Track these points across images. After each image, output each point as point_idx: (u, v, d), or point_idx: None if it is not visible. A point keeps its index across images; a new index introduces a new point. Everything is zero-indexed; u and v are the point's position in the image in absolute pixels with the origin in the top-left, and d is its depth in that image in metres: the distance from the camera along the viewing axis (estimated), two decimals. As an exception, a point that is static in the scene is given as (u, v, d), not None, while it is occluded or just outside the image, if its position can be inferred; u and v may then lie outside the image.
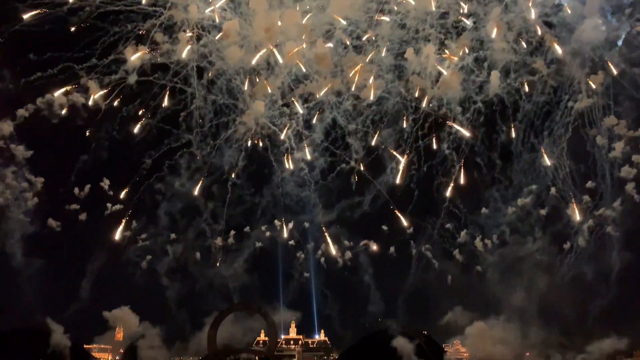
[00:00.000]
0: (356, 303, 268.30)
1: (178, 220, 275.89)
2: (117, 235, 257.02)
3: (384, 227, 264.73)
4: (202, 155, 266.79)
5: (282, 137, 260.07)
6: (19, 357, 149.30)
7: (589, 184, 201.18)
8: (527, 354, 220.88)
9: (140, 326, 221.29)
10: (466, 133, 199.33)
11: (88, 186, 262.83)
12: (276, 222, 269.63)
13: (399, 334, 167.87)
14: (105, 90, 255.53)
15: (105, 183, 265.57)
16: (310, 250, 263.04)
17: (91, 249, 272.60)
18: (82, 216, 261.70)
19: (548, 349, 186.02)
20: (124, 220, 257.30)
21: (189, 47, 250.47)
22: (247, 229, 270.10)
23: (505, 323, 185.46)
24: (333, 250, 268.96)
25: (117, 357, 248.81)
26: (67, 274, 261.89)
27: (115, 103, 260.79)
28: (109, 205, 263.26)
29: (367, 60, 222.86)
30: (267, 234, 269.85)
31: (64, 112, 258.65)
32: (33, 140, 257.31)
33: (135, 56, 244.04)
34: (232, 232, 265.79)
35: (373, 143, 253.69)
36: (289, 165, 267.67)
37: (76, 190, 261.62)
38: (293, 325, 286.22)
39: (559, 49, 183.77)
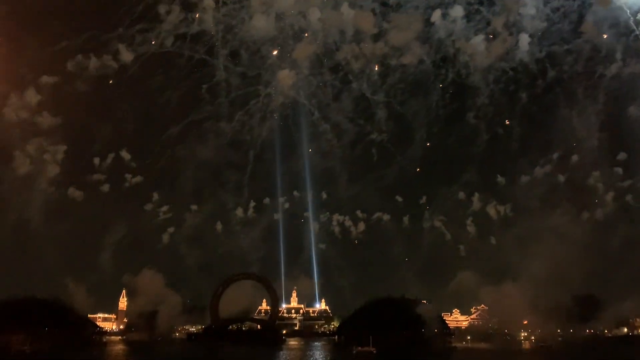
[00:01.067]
0: (368, 272, 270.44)
1: (200, 191, 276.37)
2: (140, 207, 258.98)
3: (399, 198, 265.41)
4: (226, 126, 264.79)
5: (309, 107, 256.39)
6: (29, 324, 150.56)
7: (621, 155, 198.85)
8: (525, 322, 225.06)
9: (160, 293, 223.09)
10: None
11: (111, 156, 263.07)
12: (295, 193, 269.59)
13: (402, 299, 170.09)
14: (132, 57, 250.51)
15: (127, 154, 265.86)
16: (310, 221, 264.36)
17: (113, 219, 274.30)
18: (105, 187, 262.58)
19: (559, 315, 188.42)
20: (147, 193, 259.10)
21: (213, 15, 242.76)
22: (266, 200, 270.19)
23: (517, 289, 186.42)
24: (344, 220, 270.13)
25: (120, 326, 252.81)
26: (88, 243, 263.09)
27: (141, 73, 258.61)
28: (127, 176, 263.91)
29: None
30: (287, 205, 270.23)
31: (89, 81, 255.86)
32: (59, 109, 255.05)
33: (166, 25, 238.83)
34: (253, 204, 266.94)
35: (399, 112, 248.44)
36: (314, 136, 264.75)
37: (97, 160, 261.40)
38: (294, 294, 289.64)
39: (593, 15, 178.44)
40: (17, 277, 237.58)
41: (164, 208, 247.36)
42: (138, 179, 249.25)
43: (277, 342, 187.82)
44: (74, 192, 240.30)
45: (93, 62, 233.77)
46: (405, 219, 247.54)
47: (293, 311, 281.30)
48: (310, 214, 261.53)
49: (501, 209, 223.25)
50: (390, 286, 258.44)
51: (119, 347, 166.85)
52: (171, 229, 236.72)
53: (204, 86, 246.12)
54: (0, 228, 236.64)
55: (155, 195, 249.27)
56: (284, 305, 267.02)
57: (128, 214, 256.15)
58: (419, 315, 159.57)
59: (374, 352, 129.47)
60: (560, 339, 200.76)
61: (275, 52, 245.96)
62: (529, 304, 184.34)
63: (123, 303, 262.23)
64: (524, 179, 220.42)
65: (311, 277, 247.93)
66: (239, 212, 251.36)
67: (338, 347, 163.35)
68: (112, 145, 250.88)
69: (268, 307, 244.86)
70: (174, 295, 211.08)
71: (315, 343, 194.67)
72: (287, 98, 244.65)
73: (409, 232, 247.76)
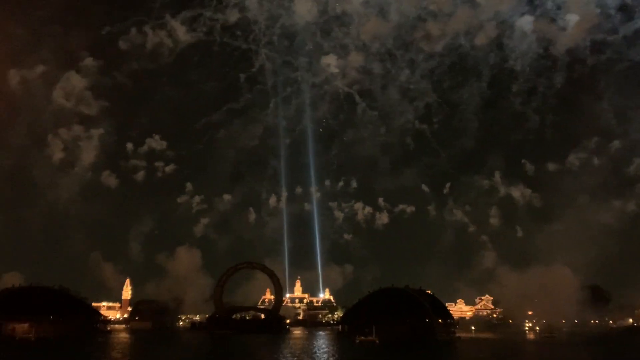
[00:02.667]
0: (391, 263, 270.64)
1: (234, 180, 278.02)
2: (174, 199, 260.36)
3: (425, 188, 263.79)
4: (263, 114, 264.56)
5: (352, 94, 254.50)
6: (34, 312, 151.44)
7: None
8: (530, 312, 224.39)
9: (190, 276, 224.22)
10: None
11: (147, 143, 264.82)
12: (327, 182, 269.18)
13: (405, 288, 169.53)
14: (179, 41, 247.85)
15: (162, 142, 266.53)
16: (311, 210, 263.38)
17: (145, 209, 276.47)
18: (139, 175, 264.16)
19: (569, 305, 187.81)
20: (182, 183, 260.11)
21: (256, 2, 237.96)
22: (299, 189, 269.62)
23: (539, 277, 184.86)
24: (364, 211, 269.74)
25: (125, 315, 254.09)
26: (120, 230, 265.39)
27: (180, 61, 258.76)
28: (161, 164, 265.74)
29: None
30: (318, 194, 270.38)
31: (130, 69, 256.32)
32: (99, 93, 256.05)
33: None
34: (285, 194, 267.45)
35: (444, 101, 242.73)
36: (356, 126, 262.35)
37: (132, 146, 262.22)
38: (298, 284, 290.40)
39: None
40: (49, 261, 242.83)
41: (197, 199, 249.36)
42: (172, 167, 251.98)
43: (281, 332, 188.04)
44: (109, 179, 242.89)
45: (150, 39, 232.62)
46: (430, 208, 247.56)
47: (297, 300, 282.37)
48: (313, 205, 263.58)
49: (530, 196, 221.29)
50: (411, 277, 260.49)
51: (123, 336, 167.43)
52: (205, 220, 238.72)
53: (242, 75, 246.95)
54: (34, 212, 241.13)
55: (189, 186, 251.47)
56: (287, 295, 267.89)
57: (161, 206, 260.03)
58: (422, 305, 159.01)
59: (377, 341, 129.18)
60: (564, 329, 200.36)
61: (317, 39, 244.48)
62: (545, 291, 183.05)
63: (127, 292, 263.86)
64: (555, 166, 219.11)
65: (319, 266, 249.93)
66: (272, 200, 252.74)
67: (341, 336, 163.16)
68: (148, 132, 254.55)
69: (272, 297, 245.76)
70: (204, 278, 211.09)
71: (319, 332, 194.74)
72: (331, 85, 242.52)
73: (433, 223, 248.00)
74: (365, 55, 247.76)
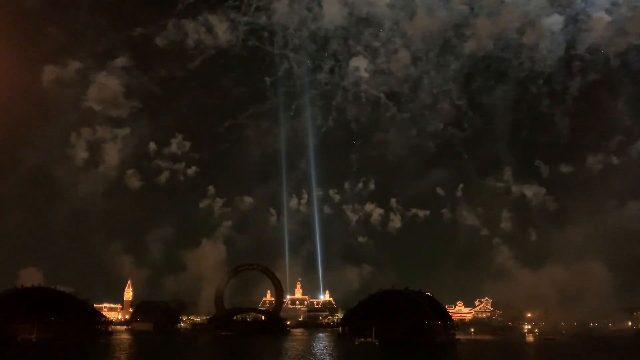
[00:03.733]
0: (403, 265, 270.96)
1: (256, 182, 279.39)
2: (196, 203, 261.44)
3: (440, 191, 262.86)
4: (287, 117, 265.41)
5: (380, 96, 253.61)
6: (36, 313, 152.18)
7: None
8: (529, 314, 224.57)
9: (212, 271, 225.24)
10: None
11: (171, 145, 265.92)
12: (346, 185, 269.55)
13: (405, 290, 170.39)
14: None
15: (187, 143, 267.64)
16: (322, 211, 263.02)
17: (167, 213, 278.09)
18: (163, 176, 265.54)
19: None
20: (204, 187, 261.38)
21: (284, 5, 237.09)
22: (319, 192, 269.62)
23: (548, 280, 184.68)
24: (379, 213, 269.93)
25: (126, 316, 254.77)
26: (143, 229, 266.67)
27: (208, 64, 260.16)
28: (182, 166, 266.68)
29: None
30: (337, 198, 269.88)
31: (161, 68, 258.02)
32: (130, 95, 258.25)
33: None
34: (305, 196, 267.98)
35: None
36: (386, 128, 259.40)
37: (154, 146, 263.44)
38: (299, 286, 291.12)
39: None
40: (69, 258, 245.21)
41: (220, 202, 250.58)
42: (195, 169, 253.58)
43: (282, 333, 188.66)
44: (132, 180, 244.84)
45: (179, 43, 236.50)
46: (445, 211, 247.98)
47: (297, 302, 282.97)
48: (314, 207, 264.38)
49: (545, 198, 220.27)
50: (424, 278, 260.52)
51: (124, 337, 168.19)
52: (227, 223, 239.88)
53: (267, 78, 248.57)
54: (56, 210, 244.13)
55: (212, 189, 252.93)
56: (288, 297, 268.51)
57: (183, 209, 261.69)
58: (422, 307, 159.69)
59: (376, 343, 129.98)
60: (563, 332, 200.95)
61: (346, 42, 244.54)
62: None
63: (128, 293, 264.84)
64: (572, 167, 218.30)
65: (320, 268, 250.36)
66: (293, 202, 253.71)
67: (341, 338, 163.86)
68: (173, 133, 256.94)
69: (272, 298, 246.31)
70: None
71: (320, 334, 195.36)
72: (358, 88, 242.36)
73: (446, 226, 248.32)
74: (394, 58, 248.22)
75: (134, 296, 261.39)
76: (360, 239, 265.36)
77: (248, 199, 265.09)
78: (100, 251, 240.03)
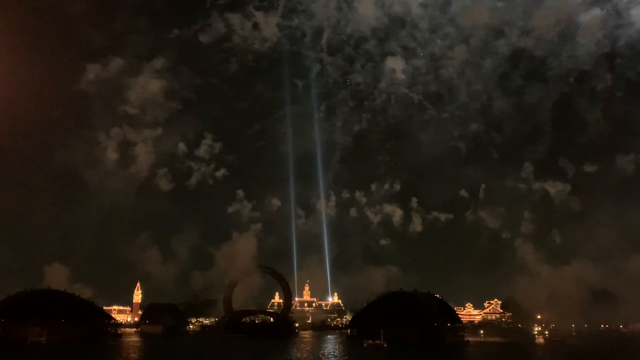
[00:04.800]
0: (425, 267, 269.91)
1: (285, 184, 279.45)
2: (224, 207, 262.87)
3: (464, 194, 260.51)
4: (317, 119, 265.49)
5: (415, 97, 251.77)
6: (45, 316, 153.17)
7: None
8: (539, 316, 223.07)
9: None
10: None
11: (202, 147, 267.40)
12: (372, 187, 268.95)
13: (414, 292, 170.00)
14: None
15: (219, 145, 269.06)
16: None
17: (195, 217, 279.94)
18: (193, 179, 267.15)
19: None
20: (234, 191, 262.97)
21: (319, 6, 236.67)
22: (345, 193, 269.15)
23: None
24: (401, 214, 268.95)
25: (135, 319, 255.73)
26: (172, 231, 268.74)
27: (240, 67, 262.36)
28: (211, 169, 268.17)
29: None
30: (364, 200, 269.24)
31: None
32: (166, 96, 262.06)
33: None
34: (334, 198, 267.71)
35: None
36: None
37: (184, 147, 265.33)
38: (307, 288, 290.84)
39: None
40: (95, 256, 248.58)
41: (248, 206, 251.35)
42: (224, 172, 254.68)
43: (290, 335, 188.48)
44: (163, 182, 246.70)
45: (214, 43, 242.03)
46: (468, 214, 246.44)
47: (306, 304, 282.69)
48: (322, 211, 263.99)
49: (569, 197, 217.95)
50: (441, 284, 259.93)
51: (133, 339, 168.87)
52: (256, 226, 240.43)
53: (299, 81, 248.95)
54: (85, 208, 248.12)
55: (240, 193, 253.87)
56: (296, 299, 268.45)
57: (212, 213, 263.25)
58: (431, 309, 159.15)
59: (385, 345, 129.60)
60: (574, 333, 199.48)
61: (380, 43, 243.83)
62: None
63: (137, 296, 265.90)
64: (597, 166, 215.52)
65: (327, 270, 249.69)
66: (320, 204, 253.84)
67: (350, 340, 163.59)
68: (204, 135, 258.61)
69: (281, 300, 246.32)
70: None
71: (328, 336, 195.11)
72: (392, 89, 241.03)
73: (468, 229, 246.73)
74: (429, 58, 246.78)
75: (144, 298, 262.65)
76: (383, 242, 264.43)
77: (276, 202, 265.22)
78: (126, 251, 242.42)
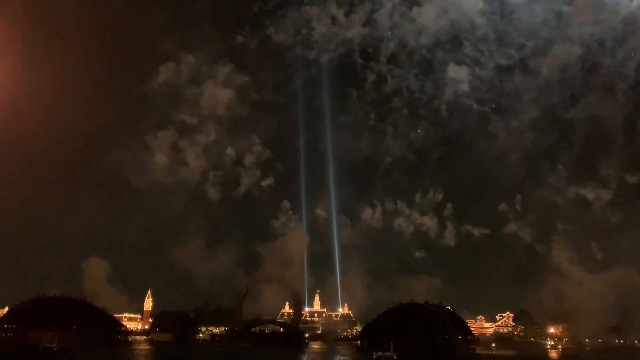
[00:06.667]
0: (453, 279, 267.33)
1: (330, 193, 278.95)
2: (272, 218, 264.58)
3: (503, 207, 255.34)
4: (370, 127, 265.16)
5: (478, 108, 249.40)
6: (58, 322, 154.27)
7: None
8: (552, 330, 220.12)
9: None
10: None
11: (250, 155, 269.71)
12: (417, 198, 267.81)
13: (425, 304, 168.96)
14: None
15: (269, 154, 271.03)
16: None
17: (241, 229, 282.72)
18: (241, 187, 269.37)
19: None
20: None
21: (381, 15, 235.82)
22: (390, 204, 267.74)
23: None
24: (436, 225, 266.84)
25: (146, 326, 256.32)
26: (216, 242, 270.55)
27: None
28: (258, 178, 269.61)
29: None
30: (408, 211, 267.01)
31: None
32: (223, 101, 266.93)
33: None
34: (380, 207, 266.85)
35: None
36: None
37: (233, 153, 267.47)
38: (317, 298, 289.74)
39: None
40: (135, 251, 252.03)
41: (295, 218, 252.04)
42: (271, 181, 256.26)
43: (300, 345, 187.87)
44: (212, 189, 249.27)
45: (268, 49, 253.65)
46: (506, 228, 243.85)
47: (316, 315, 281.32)
48: (332, 216, 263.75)
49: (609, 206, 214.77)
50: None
51: (144, 347, 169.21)
52: (300, 234, 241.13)
53: (352, 90, 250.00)
54: (131, 208, 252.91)
55: (286, 204, 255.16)
56: (306, 309, 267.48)
57: (257, 226, 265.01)
58: (442, 321, 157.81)
59: (394, 357, 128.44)
60: (588, 348, 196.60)
61: (440, 52, 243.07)
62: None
63: (148, 304, 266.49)
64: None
65: (338, 279, 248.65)
66: (367, 213, 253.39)
67: (360, 351, 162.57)
68: (254, 143, 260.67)
69: (291, 310, 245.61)
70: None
71: (338, 347, 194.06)
72: (451, 99, 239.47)
73: (504, 242, 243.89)
74: (488, 67, 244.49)
75: (154, 306, 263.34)
76: (418, 254, 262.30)
77: (322, 213, 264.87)
78: (161, 254, 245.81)
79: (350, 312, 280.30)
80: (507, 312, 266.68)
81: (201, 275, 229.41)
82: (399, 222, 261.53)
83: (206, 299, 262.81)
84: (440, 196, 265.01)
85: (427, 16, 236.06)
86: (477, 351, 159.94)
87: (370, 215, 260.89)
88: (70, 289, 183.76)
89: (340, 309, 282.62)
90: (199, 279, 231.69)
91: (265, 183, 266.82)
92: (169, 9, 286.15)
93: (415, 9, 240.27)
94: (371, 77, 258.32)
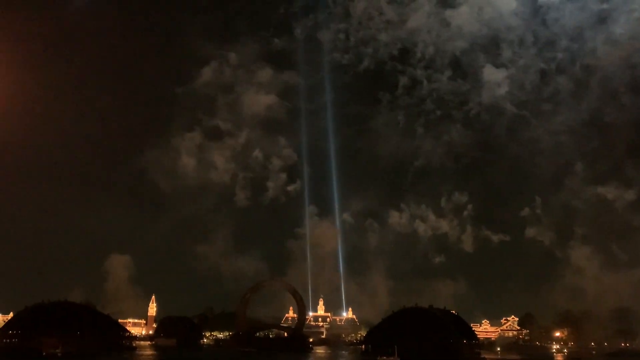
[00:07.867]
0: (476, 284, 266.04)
1: (358, 196, 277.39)
2: (295, 226, 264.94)
3: (525, 212, 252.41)
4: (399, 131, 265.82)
5: (514, 111, 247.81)
6: (61, 328, 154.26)
7: None
8: (558, 334, 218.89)
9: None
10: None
11: (279, 159, 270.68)
12: (443, 202, 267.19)
13: (429, 308, 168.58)
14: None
15: (293, 156, 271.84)
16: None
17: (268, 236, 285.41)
18: (269, 192, 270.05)
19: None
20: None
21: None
22: (414, 208, 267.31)
23: None
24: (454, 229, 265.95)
25: (150, 332, 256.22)
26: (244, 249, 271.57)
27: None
28: (285, 182, 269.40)
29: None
30: (433, 218, 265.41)
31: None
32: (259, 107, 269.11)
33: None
34: (408, 211, 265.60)
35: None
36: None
37: (261, 156, 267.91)
38: (321, 302, 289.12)
39: None
40: (157, 248, 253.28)
41: (321, 222, 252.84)
42: (297, 186, 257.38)
43: (304, 350, 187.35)
44: (239, 193, 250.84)
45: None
46: (526, 232, 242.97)
47: (320, 319, 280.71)
48: (336, 221, 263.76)
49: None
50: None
51: (148, 352, 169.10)
52: (326, 239, 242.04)
53: (383, 93, 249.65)
54: (158, 207, 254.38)
55: (313, 209, 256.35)
56: (311, 314, 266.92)
57: (283, 233, 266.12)
58: (446, 325, 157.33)
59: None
60: (593, 352, 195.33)
61: (476, 55, 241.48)
62: None
63: (152, 309, 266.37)
64: None
65: (342, 284, 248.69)
66: (394, 216, 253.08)
67: (364, 355, 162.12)
68: (282, 147, 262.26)
69: (295, 315, 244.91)
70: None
71: (342, 352, 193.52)
72: (489, 102, 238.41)
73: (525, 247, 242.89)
74: (521, 70, 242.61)
75: (158, 312, 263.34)
76: (437, 259, 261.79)
77: (349, 218, 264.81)
78: (188, 258, 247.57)
79: (355, 317, 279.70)
80: (512, 316, 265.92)
81: (227, 279, 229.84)
82: (420, 226, 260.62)
83: (210, 304, 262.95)
84: (464, 199, 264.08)
85: (462, 18, 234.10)
86: (482, 355, 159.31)
87: (398, 219, 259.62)
88: (91, 289, 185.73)
89: (344, 314, 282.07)
90: (225, 282, 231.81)
91: (291, 188, 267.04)
92: (207, 13, 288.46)
93: (448, 11, 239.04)
94: (404, 80, 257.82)
